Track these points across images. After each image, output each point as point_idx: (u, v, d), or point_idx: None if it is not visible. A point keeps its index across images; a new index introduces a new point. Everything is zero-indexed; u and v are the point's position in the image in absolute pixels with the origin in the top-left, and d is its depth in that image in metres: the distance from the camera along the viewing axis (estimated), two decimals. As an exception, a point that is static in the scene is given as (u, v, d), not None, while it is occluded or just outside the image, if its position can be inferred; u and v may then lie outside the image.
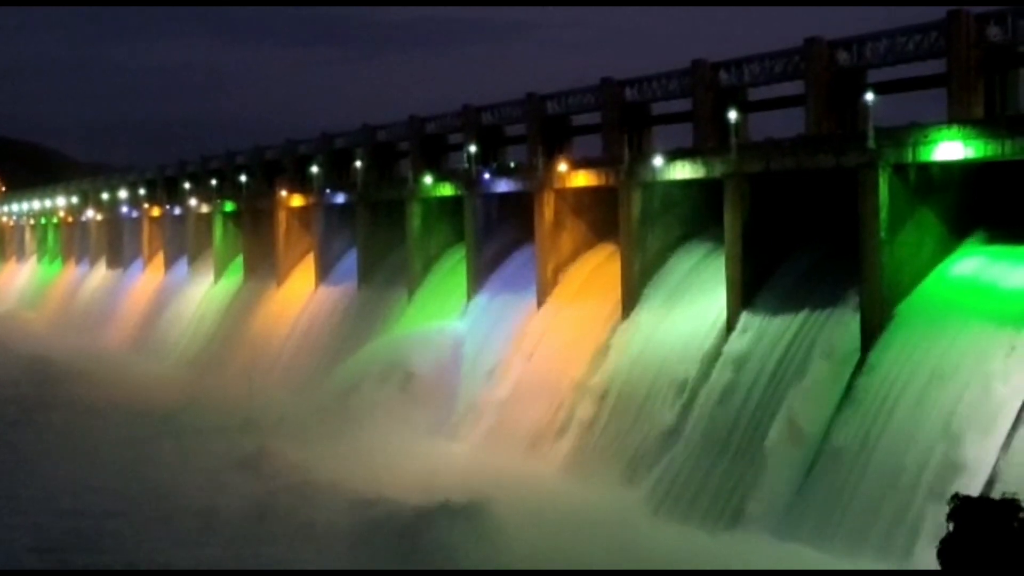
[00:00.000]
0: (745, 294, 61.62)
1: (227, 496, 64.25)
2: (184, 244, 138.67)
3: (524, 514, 56.86)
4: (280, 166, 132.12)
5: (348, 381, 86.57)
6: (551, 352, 74.34)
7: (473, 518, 54.72)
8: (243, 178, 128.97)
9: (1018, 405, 45.52)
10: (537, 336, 76.57)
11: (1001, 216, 53.19)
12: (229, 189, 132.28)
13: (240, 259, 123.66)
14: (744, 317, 61.31)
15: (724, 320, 62.32)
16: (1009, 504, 22.88)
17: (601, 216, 76.59)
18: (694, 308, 65.82)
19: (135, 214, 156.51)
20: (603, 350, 69.88)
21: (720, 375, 60.51)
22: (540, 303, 77.79)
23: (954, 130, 51.78)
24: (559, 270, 77.71)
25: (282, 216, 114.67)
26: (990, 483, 43.50)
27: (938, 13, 63.47)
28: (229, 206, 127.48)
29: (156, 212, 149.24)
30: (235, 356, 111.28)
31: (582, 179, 76.28)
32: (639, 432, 63.73)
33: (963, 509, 22.73)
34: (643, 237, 70.16)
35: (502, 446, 71.89)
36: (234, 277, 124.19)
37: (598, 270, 75.97)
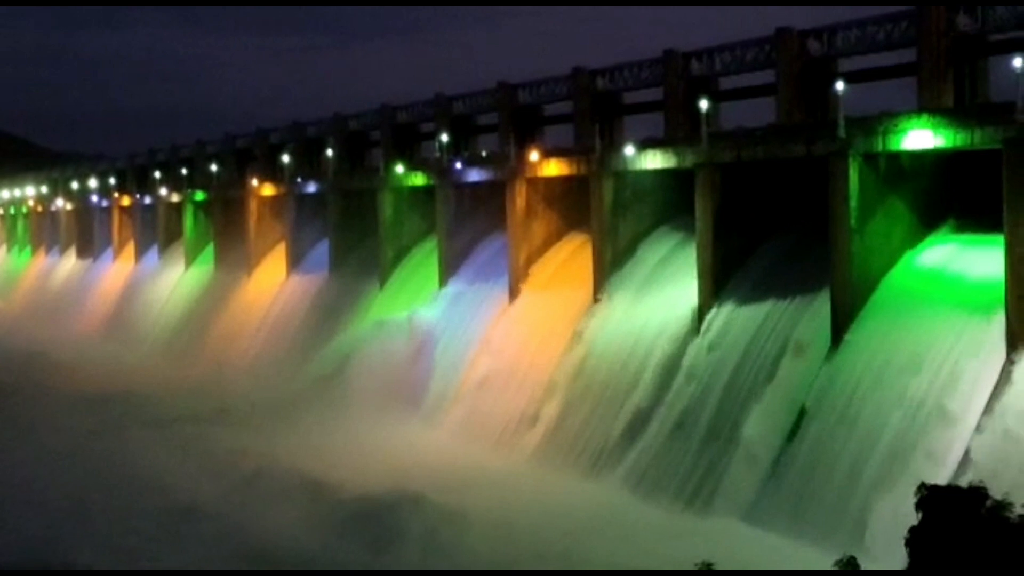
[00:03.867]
0: (716, 283, 61.75)
1: (189, 487, 64.16)
2: (155, 233, 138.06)
3: (494, 504, 57.08)
4: (251, 155, 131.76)
5: (319, 370, 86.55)
6: (523, 340, 74.37)
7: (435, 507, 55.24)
8: (214, 167, 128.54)
9: (987, 393, 45.76)
10: (509, 325, 76.58)
11: (971, 205, 53.39)
12: (200, 178, 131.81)
13: (211, 248, 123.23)
14: (715, 305, 61.46)
15: (695, 308, 62.43)
16: (976, 492, 22.99)
17: (573, 205, 76.59)
18: (665, 297, 65.93)
19: (105, 203, 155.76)
20: (575, 338, 69.93)
21: (691, 363, 60.69)
22: (512, 292, 77.77)
23: (924, 119, 51.96)
24: (531, 259, 77.66)
25: (253, 205, 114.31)
26: (960, 470, 43.74)
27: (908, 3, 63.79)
28: (200, 195, 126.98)
29: (126, 201, 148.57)
30: (206, 345, 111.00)
31: (554, 168, 76.27)
32: (612, 419, 63.81)
33: (931, 498, 22.83)
34: (615, 226, 70.24)
35: (474, 434, 71.93)
36: (205, 266, 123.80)
37: (570, 259, 76.02)
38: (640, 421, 61.81)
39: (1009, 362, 45.82)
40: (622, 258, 70.10)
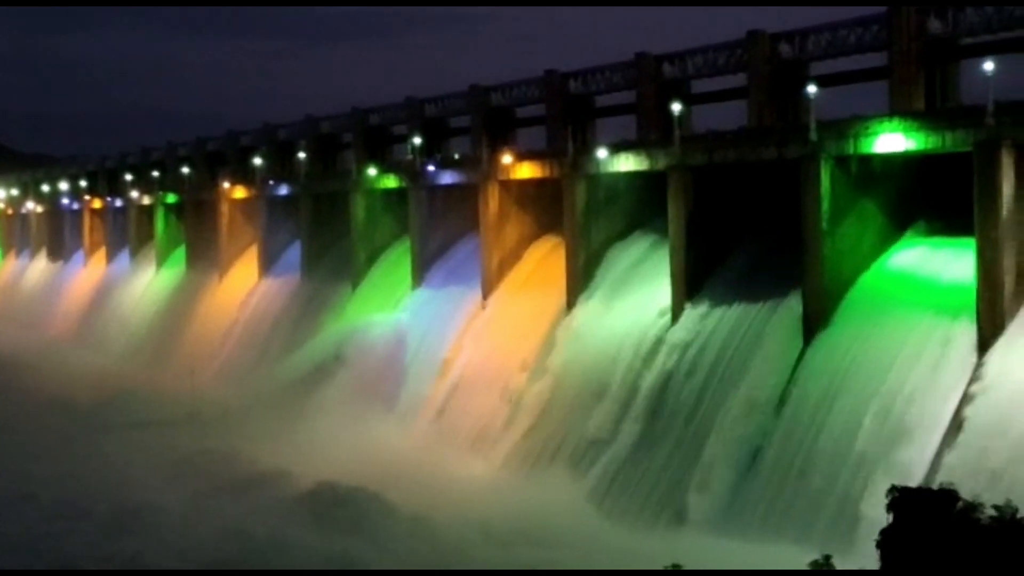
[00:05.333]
0: (689, 286, 61.78)
1: (166, 493, 64.05)
2: (126, 236, 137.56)
3: (465, 512, 57.10)
4: (222, 158, 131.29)
5: (291, 373, 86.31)
6: (496, 344, 74.25)
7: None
8: (185, 170, 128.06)
9: (958, 395, 45.91)
10: (482, 328, 76.47)
11: (941, 207, 53.56)
12: (171, 181, 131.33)
13: (182, 251, 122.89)
14: (688, 309, 61.48)
15: (668, 312, 62.46)
16: (946, 494, 23.06)
17: (546, 208, 76.53)
18: (638, 300, 65.89)
19: (76, 206, 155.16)
20: (548, 342, 69.87)
21: (664, 367, 60.66)
22: (485, 295, 77.67)
23: (895, 122, 52.12)
24: (504, 262, 77.56)
25: (224, 208, 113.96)
26: (932, 471, 43.87)
27: (879, 7, 63.95)
28: (171, 198, 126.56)
29: (97, 204, 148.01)
30: (178, 348, 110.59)
31: (526, 171, 76.21)
32: (584, 424, 63.72)
33: (902, 500, 22.88)
34: (588, 229, 70.19)
35: (447, 437, 71.78)
36: (176, 269, 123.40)
37: (543, 262, 75.94)
38: (613, 424, 61.76)
39: (980, 363, 46.01)
40: (595, 261, 70.03)
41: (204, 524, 56.68)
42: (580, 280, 69.82)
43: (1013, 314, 46.21)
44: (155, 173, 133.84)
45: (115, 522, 58.06)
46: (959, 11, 60.36)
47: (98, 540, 55.88)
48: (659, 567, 25.32)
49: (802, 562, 24.21)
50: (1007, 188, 46.28)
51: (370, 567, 51.02)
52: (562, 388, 66.89)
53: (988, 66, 48.73)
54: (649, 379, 60.96)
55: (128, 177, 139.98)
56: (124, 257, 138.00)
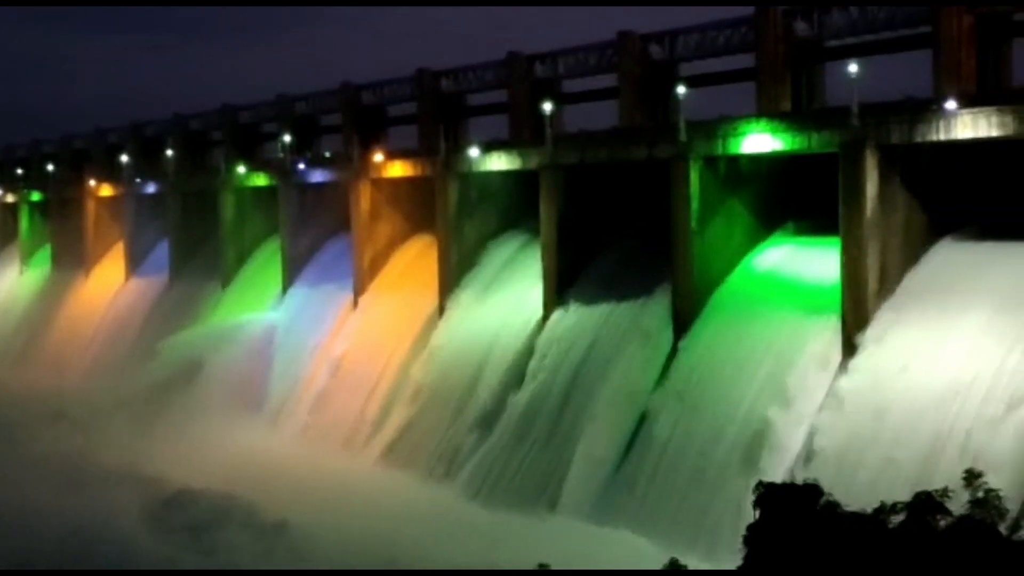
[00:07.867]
0: (560, 284, 62.05)
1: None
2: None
3: (334, 508, 56.72)
4: (89, 155, 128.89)
5: (159, 374, 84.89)
6: (368, 343, 73.92)
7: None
8: (50, 167, 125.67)
9: (824, 392, 46.64)
10: (353, 328, 76.09)
11: (808, 207, 54.35)
12: (36, 178, 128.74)
13: (47, 249, 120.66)
14: (559, 307, 61.73)
15: (540, 310, 62.66)
16: (811, 489, 23.38)
17: (418, 207, 76.32)
18: (511, 299, 66.07)
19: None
20: (420, 340, 69.75)
21: (536, 364, 60.89)
22: (357, 294, 77.28)
23: (762, 123, 52.83)
24: (376, 261, 77.26)
25: (90, 206, 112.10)
26: (796, 467, 44.48)
27: (747, 8, 64.79)
28: (36, 196, 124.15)
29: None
30: (44, 348, 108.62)
31: (398, 169, 75.98)
32: (456, 421, 63.78)
33: (768, 496, 23.15)
34: (460, 228, 70.19)
35: (318, 439, 71.31)
36: (41, 268, 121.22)
37: (415, 261, 75.76)
38: (485, 423, 61.86)
39: (844, 361, 46.79)
40: (468, 260, 70.04)
41: (49, 524, 55.72)
42: (453, 278, 69.77)
43: (877, 313, 47.04)
44: (19, 171, 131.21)
45: None
46: (824, 13, 61.39)
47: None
48: (524, 562, 25.34)
49: (670, 553, 24.39)
50: (871, 188, 47.12)
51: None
52: (435, 386, 66.81)
53: (852, 68, 49.56)
54: (521, 377, 61.10)
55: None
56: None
